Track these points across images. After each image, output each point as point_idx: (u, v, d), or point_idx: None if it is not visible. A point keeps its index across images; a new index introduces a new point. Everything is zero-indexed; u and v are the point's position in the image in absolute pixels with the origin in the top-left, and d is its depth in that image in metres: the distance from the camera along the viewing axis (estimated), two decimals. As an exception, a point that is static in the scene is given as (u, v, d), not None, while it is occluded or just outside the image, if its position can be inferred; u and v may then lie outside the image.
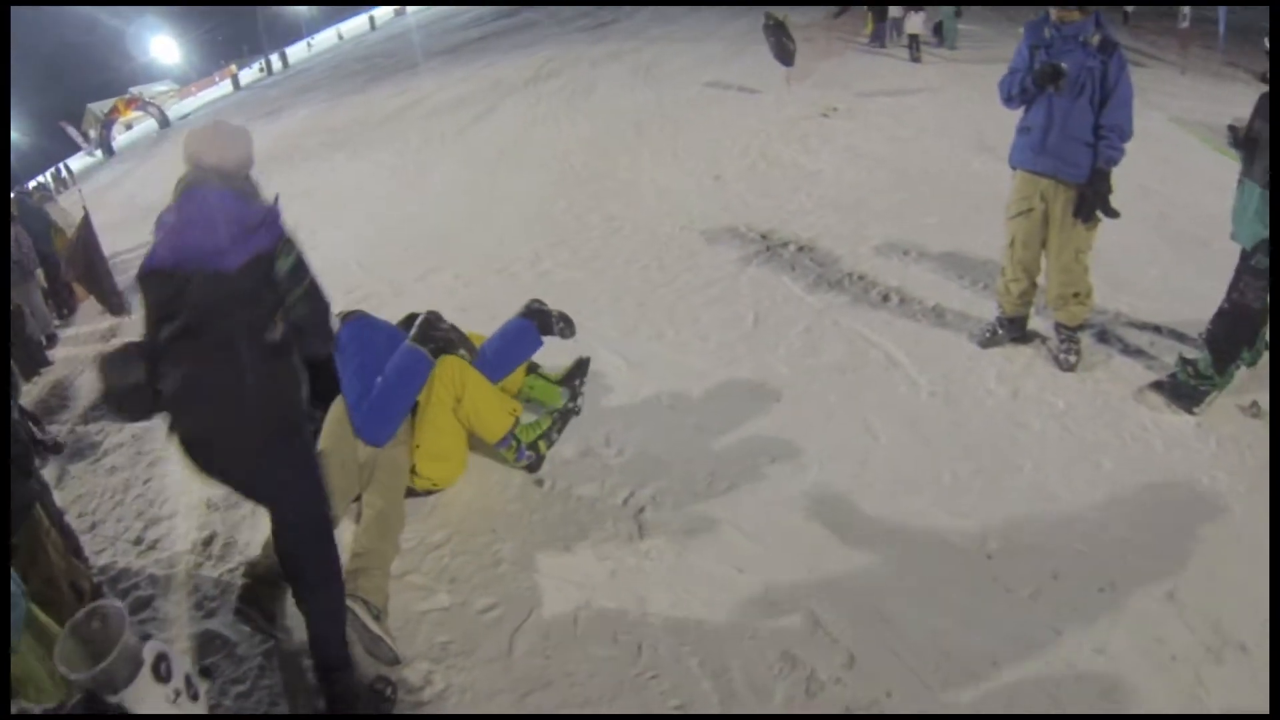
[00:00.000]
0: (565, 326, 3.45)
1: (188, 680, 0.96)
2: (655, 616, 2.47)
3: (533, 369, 3.54)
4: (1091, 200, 3.10)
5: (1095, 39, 3.02)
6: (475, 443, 3.33)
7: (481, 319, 3.67)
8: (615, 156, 7.83)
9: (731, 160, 7.07)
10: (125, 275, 10.21)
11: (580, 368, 3.60)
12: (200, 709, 0.87)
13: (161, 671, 0.90)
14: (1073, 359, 3.29)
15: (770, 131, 7.55)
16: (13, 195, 10.36)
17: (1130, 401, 3.08)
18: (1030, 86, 3.14)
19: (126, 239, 12.37)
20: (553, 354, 3.57)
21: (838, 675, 2.17)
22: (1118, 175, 3.15)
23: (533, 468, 3.24)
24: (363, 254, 6.66)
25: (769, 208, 5.80)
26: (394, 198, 8.80)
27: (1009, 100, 3.27)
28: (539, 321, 3.39)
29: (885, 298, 4.13)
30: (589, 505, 3.05)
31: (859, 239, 4.94)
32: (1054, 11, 3.10)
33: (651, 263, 5.31)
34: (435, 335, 3.22)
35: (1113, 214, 3.12)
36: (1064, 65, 3.02)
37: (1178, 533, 2.49)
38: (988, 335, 3.52)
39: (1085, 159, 3.10)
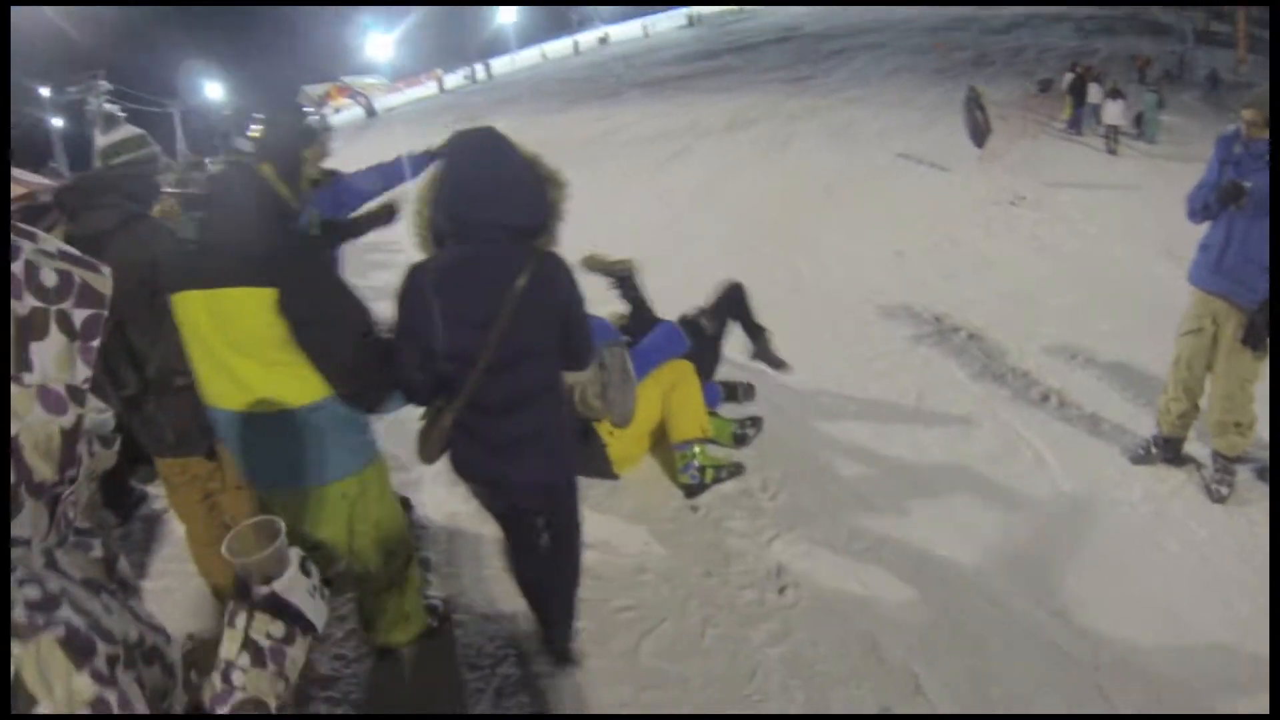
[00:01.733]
0: (749, 392, 3.92)
1: (320, 583, 1.24)
2: (774, 649, 2.83)
3: (710, 412, 4.02)
4: (1261, 327, 3.04)
5: None
6: (654, 443, 3.85)
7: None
8: (803, 215, 8.22)
9: (915, 237, 7.34)
10: None
11: (755, 421, 4.04)
12: (324, 611, 1.13)
13: (306, 568, 1.19)
14: (1225, 490, 3.28)
15: (956, 212, 7.75)
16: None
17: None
18: (1213, 203, 3.10)
19: None
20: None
21: None
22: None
23: (693, 491, 3.67)
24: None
25: (946, 290, 6.06)
26: (583, 224, 9.53)
27: (1193, 215, 3.25)
28: (725, 390, 3.87)
29: (1045, 398, 4.33)
30: (737, 537, 3.45)
31: (1030, 335, 5.11)
32: (1245, 125, 3.03)
33: (828, 328, 5.71)
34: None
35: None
36: (1247, 184, 2.96)
37: None
38: (1141, 452, 3.60)
39: (1260, 283, 3.02)
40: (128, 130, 3.08)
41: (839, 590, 3.10)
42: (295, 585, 1.13)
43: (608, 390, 3.26)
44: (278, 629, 1.07)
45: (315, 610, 1.14)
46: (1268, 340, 3.06)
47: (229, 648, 1.02)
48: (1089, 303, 5.39)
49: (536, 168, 2.16)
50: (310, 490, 2.24)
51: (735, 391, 4.05)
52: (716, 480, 3.70)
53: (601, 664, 2.85)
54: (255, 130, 2.10)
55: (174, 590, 3.43)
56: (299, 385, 2.07)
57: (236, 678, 1.01)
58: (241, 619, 1.05)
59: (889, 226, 7.79)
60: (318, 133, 2.37)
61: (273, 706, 1.01)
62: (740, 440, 3.95)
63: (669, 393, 3.62)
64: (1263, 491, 3.35)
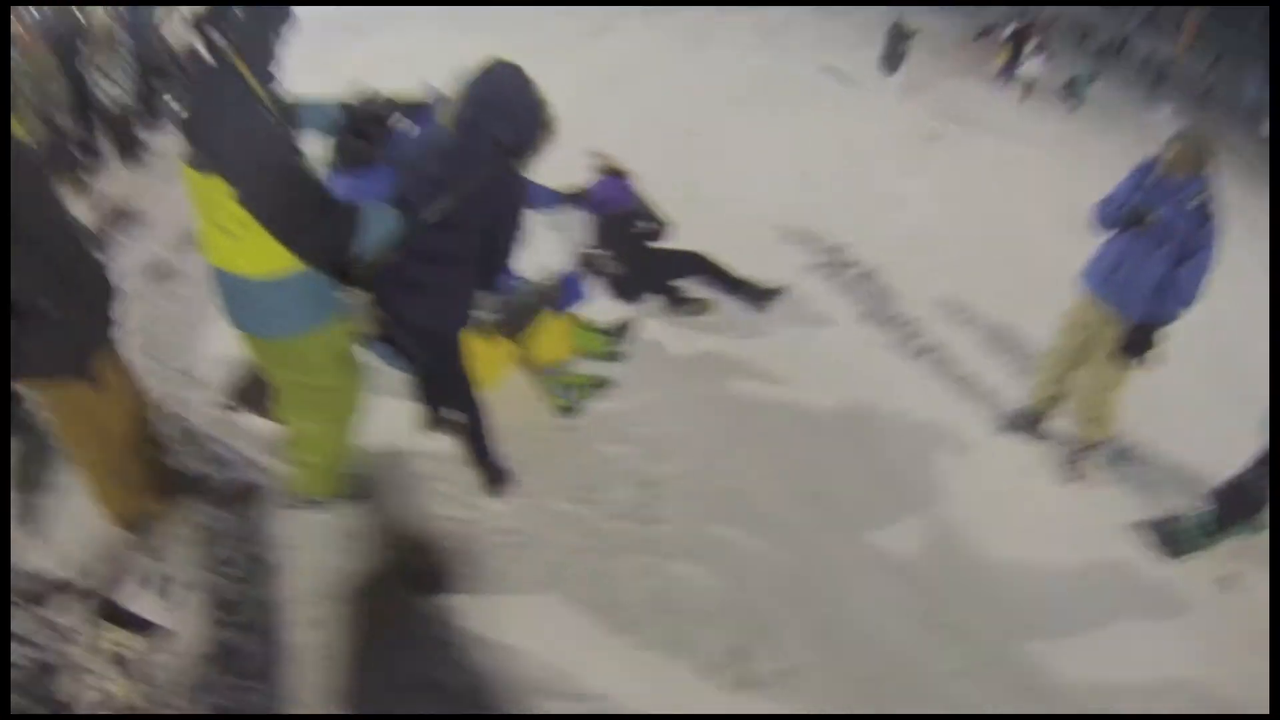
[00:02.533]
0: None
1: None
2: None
3: (576, 322, 3.67)
4: (1136, 345, 3.13)
5: (1194, 203, 2.96)
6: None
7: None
8: (712, 121, 7.70)
9: (825, 160, 6.98)
10: None
11: (624, 329, 3.76)
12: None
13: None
14: (1076, 472, 3.39)
15: (870, 140, 7.44)
16: None
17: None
18: (1120, 220, 3.15)
19: None
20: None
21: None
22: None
23: (566, 411, 3.41)
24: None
25: (848, 222, 5.75)
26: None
27: (1101, 221, 3.29)
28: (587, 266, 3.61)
29: (925, 351, 4.19)
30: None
31: (920, 283, 4.94)
32: (1166, 159, 3.04)
33: (718, 246, 5.34)
34: None
35: (1143, 364, 3.17)
36: (1150, 215, 3.02)
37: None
38: (1006, 421, 3.61)
39: (1141, 306, 3.09)
40: None
41: (701, 532, 2.95)
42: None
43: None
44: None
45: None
46: (1143, 356, 3.16)
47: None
48: (985, 259, 5.24)
49: (541, 110, 2.44)
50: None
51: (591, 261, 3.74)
52: (586, 398, 3.45)
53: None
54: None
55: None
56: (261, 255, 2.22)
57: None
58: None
59: (799, 145, 7.40)
60: (286, 16, 2.18)
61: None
62: (612, 357, 3.66)
63: None
64: (1115, 473, 3.49)
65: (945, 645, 2.63)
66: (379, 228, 2.36)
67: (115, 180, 7.71)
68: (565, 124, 2.56)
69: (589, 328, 3.62)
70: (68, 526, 2.69)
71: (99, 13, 7.67)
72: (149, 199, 7.04)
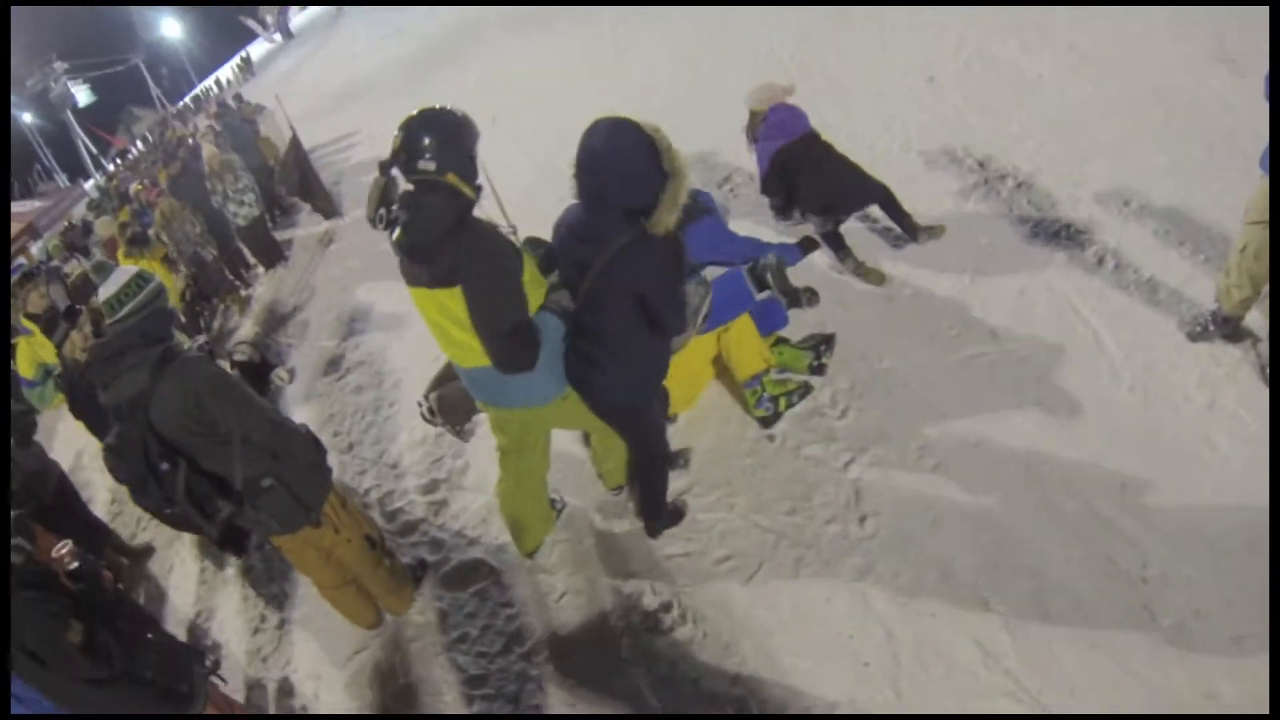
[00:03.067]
0: (812, 297, 4.00)
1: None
2: (863, 583, 3.17)
3: (780, 340, 4.12)
4: None
5: None
6: (724, 380, 4.03)
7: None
8: (822, 50, 7.75)
9: (945, 59, 6.89)
10: (328, 172, 11.33)
11: (825, 342, 4.12)
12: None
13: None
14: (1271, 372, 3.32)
15: (985, 20, 7.20)
16: (220, 117, 11.38)
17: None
18: None
19: (322, 131, 13.45)
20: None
21: (1001, 662, 2.78)
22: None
23: (768, 422, 3.90)
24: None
25: (988, 127, 5.80)
26: (594, 87, 9.22)
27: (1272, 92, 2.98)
28: (753, 278, 3.90)
29: (1100, 261, 4.30)
30: (815, 465, 3.72)
31: (1080, 177, 4.95)
32: None
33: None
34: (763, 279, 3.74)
35: None
36: None
37: None
38: (1198, 329, 3.62)
39: None
40: (122, 274, 3.15)
41: (912, 515, 3.37)
42: None
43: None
44: None
45: None
46: None
47: None
48: (1139, 131, 5.13)
49: (659, 156, 2.54)
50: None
51: (798, 299, 4.10)
52: (789, 406, 3.88)
53: (710, 613, 3.22)
54: (428, 163, 2.66)
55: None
56: None
57: None
58: None
59: (914, 44, 7.29)
60: (479, 135, 2.77)
61: None
62: (818, 371, 4.07)
63: (723, 334, 3.70)
64: None
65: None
66: (551, 333, 2.82)
67: (267, 285, 8.84)
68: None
69: (793, 345, 4.07)
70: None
71: (209, 149, 8.80)
72: (302, 296, 8.08)
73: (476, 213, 2.73)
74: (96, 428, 4.99)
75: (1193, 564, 2.88)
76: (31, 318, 7.09)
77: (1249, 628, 2.65)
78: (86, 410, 4.85)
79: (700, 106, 8.16)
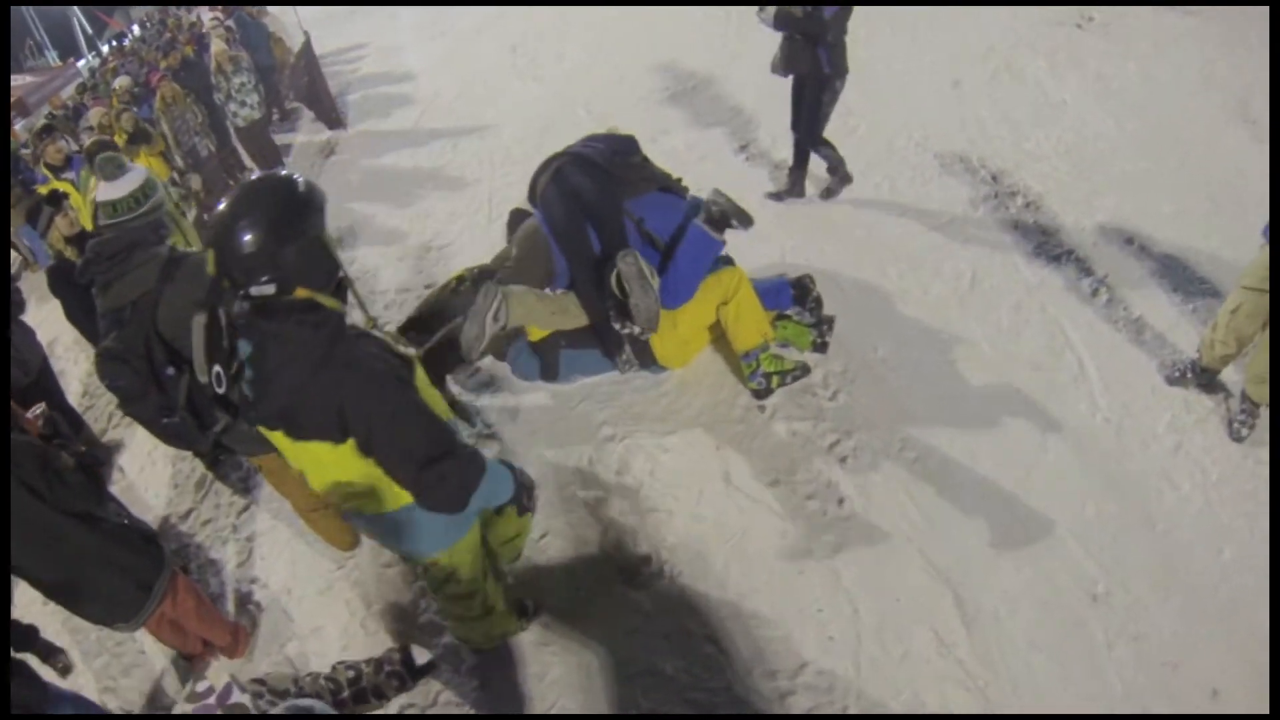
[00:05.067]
0: (817, 307, 4.06)
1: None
2: (836, 560, 3.31)
3: (783, 316, 4.21)
4: None
5: None
6: (721, 348, 4.12)
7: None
8: (853, 31, 7.70)
9: (973, 63, 6.93)
10: (335, 82, 11.00)
11: (828, 323, 4.20)
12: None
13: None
14: (1244, 431, 3.51)
15: (1019, 32, 7.24)
16: (233, 13, 10.99)
17: (1281, 496, 3.32)
18: None
19: (332, 38, 12.99)
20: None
21: (954, 652, 2.97)
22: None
23: (760, 395, 3.99)
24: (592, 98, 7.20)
25: (1006, 141, 5.90)
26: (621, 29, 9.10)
27: None
28: (798, 291, 4.03)
29: (1095, 292, 4.45)
30: (801, 442, 3.83)
31: (1088, 208, 5.09)
32: None
33: (884, 182, 5.70)
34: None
35: None
36: None
37: (1254, 642, 2.86)
38: (1176, 374, 3.80)
39: None
40: (132, 179, 3.05)
41: (890, 501, 3.51)
42: None
43: (629, 299, 3.42)
44: None
45: None
46: None
47: None
48: (1153, 173, 5.28)
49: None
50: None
51: (805, 288, 4.19)
52: (782, 384, 3.97)
53: (692, 569, 3.36)
54: (264, 286, 1.86)
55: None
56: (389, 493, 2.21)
57: None
58: None
59: (945, 47, 7.31)
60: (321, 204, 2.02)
61: None
62: (819, 348, 4.16)
63: (723, 306, 3.76)
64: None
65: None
66: (498, 487, 2.35)
67: None
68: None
69: (796, 321, 4.15)
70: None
71: (217, 45, 8.52)
72: None
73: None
74: (87, 329, 4.74)
75: (1138, 591, 3.08)
76: (50, 168, 7.26)
77: (1181, 656, 2.87)
78: (75, 312, 4.61)
79: (726, 66, 8.12)
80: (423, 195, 7.21)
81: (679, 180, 3.91)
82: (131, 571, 2.97)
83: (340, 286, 2.01)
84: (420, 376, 2.14)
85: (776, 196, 5.78)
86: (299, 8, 10.24)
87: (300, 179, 1.95)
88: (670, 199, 3.79)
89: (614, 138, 3.76)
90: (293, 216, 1.87)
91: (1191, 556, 3.17)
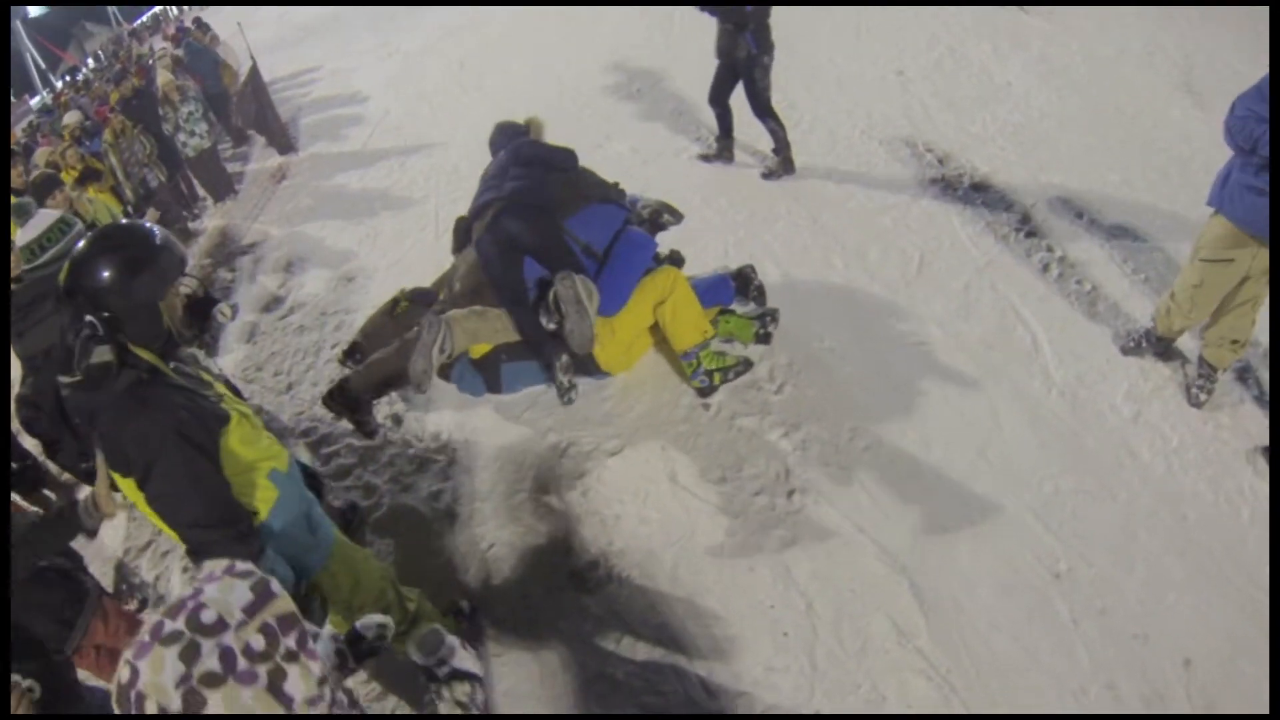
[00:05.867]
0: (760, 296, 3.95)
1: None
2: (787, 555, 3.15)
3: (725, 311, 4.07)
4: None
5: None
6: (663, 349, 3.99)
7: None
8: (794, 29, 7.68)
9: (916, 54, 6.90)
10: (287, 107, 10.90)
11: (771, 315, 4.07)
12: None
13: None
14: (1203, 397, 3.41)
15: (963, 23, 7.24)
16: (182, 41, 10.89)
17: (1241, 458, 3.22)
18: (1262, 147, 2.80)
19: (284, 64, 12.90)
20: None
21: (914, 641, 2.81)
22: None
23: (704, 393, 3.86)
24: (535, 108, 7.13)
25: (951, 125, 5.84)
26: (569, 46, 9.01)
27: (1237, 146, 2.93)
28: (739, 283, 3.91)
29: (1046, 267, 4.35)
30: (748, 438, 3.68)
31: (1036, 186, 5.01)
32: None
33: (830, 172, 5.60)
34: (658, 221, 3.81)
35: None
36: None
37: (1225, 607, 2.76)
38: (1131, 344, 3.70)
39: None
40: (46, 217, 2.94)
41: (843, 493, 3.36)
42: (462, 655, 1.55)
43: (564, 323, 3.35)
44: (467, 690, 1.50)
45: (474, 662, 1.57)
46: None
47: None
48: (1099, 146, 5.23)
49: None
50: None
51: (746, 279, 4.08)
52: (724, 382, 3.85)
53: (637, 572, 3.20)
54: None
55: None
56: None
57: None
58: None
59: (889, 40, 7.26)
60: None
61: None
62: (763, 339, 4.03)
63: (660, 307, 3.63)
64: (1240, 397, 3.47)
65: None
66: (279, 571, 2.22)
67: (215, 218, 8.52)
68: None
69: (738, 315, 4.03)
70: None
71: (163, 75, 8.40)
72: (250, 231, 7.80)
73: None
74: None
75: (1102, 564, 2.94)
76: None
77: (1150, 627, 2.74)
78: None
79: (670, 66, 8.05)
80: (372, 215, 7.05)
81: (616, 185, 3.81)
82: (48, 609, 2.80)
83: (170, 342, 2.08)
84: (233, 436, 2.10)
85: (706, 159, 6.12)
86: (248, 36, 10.08)
87: (157, 240, 2.04)
88: (608, 209, 3.69)
89: (553, 154, 3.64)
90: (138, 272, 1.97)
91: (1155, 524, 3.04)
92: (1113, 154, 5.17)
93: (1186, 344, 3.69)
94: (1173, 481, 3.19)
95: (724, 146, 6.02)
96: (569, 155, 3.68)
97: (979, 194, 5.10)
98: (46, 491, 4.47)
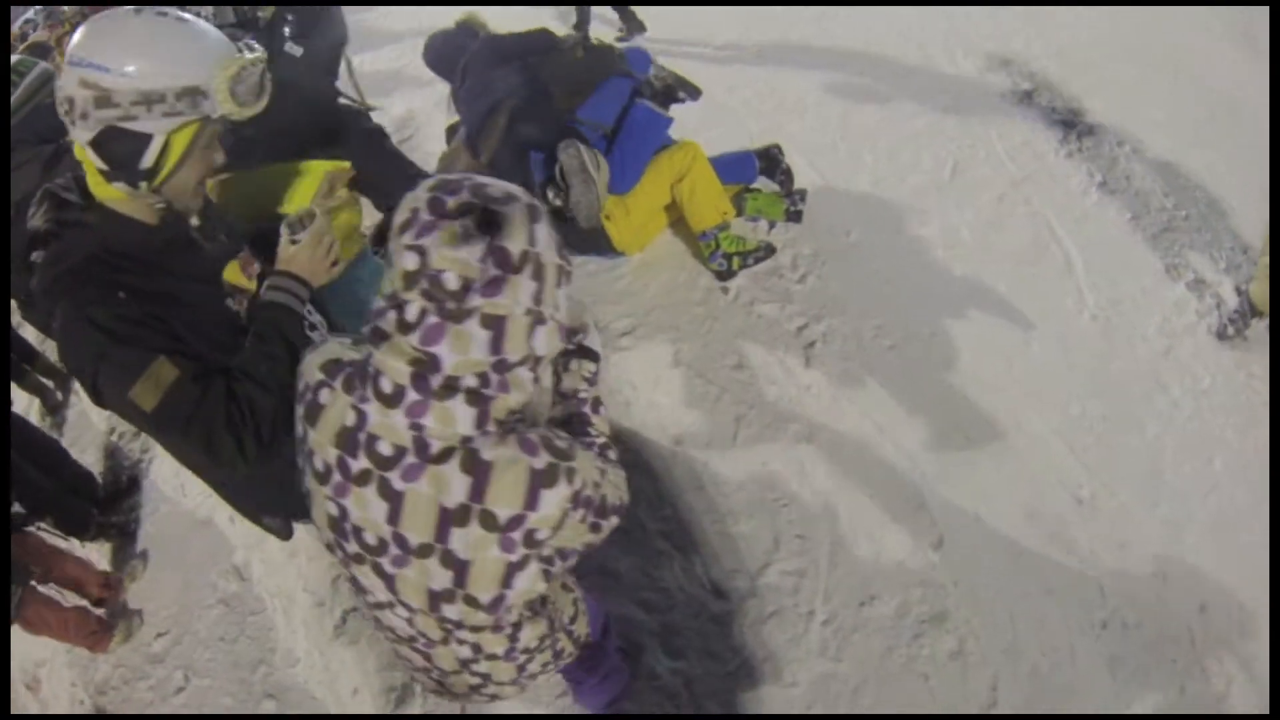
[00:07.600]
0: (787, 179, 3.60)
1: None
2: (802, 451, 2.94)
3: (750, 189, 3.73)
4: None
5: None
6: (680, 229, 3.68)
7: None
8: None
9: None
10: None
11: (800, 194, 3.76)
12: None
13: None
14: (1231, 331, 3.20)
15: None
16: None
17: (1270, 411, 3.02)
18: None
19: None
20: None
21: (929, 557, 2.67)
22: None
23: (722, 276, 3.58)
24: None
25: (992, 37, 5.43)
26: None
27: None
28: (765, 163, 3.57)
29: (1085, 191, 4.10)
30: (766, 325, 3.43)
31: (1077, 109, 4.71)
32: None
33: (867, 67, 5.20)
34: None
35: None
36: None
37: (1245, 559, 2.62)
38: (1223, 326, 3.29)
39: None
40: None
41: (863, 390, 3.15)
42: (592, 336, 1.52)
43: (569, 195, 3.11)
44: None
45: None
46: None
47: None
48: (1145, 79, 4.89)
49: None
50: None
51: (773, 159, 3.74)
52: (744, 266, 3.57)
53: (651, 474, 2.96)
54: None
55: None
56: None
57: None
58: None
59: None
60: None
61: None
62: (794, 218, 3.71)
63: (677, 184, 3.35)
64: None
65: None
66: None
67: None
68: None
69: (766, 193, 3.71)
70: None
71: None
72: None
73: None
74: None
75: (1125, 496, 2.80)
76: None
77: (1169, 568, 2.61)
78: None
79: None
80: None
81: (613, 49, 3.53)
82: None
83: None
84: None
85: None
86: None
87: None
88: (612, 84, 3.40)
89: (529, 41, 3.40)
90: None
91: (1181, 464, 2.89)
92: (1157, 91, 4.85)
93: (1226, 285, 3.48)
94: (1201, 422, 3.03)
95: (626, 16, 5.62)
96: (545, 35, 3.43)
97: (1018, 109, 4.76)
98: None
